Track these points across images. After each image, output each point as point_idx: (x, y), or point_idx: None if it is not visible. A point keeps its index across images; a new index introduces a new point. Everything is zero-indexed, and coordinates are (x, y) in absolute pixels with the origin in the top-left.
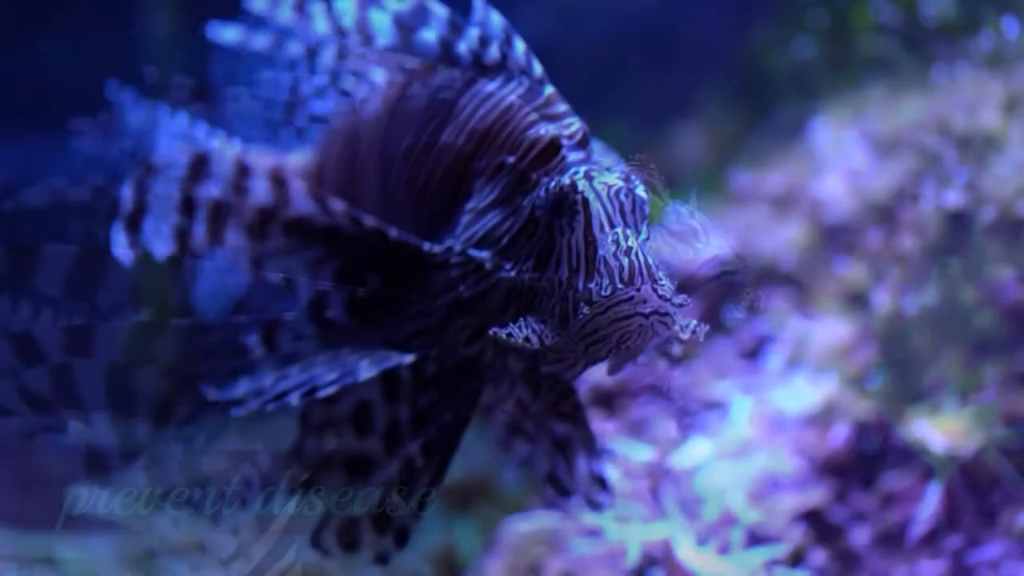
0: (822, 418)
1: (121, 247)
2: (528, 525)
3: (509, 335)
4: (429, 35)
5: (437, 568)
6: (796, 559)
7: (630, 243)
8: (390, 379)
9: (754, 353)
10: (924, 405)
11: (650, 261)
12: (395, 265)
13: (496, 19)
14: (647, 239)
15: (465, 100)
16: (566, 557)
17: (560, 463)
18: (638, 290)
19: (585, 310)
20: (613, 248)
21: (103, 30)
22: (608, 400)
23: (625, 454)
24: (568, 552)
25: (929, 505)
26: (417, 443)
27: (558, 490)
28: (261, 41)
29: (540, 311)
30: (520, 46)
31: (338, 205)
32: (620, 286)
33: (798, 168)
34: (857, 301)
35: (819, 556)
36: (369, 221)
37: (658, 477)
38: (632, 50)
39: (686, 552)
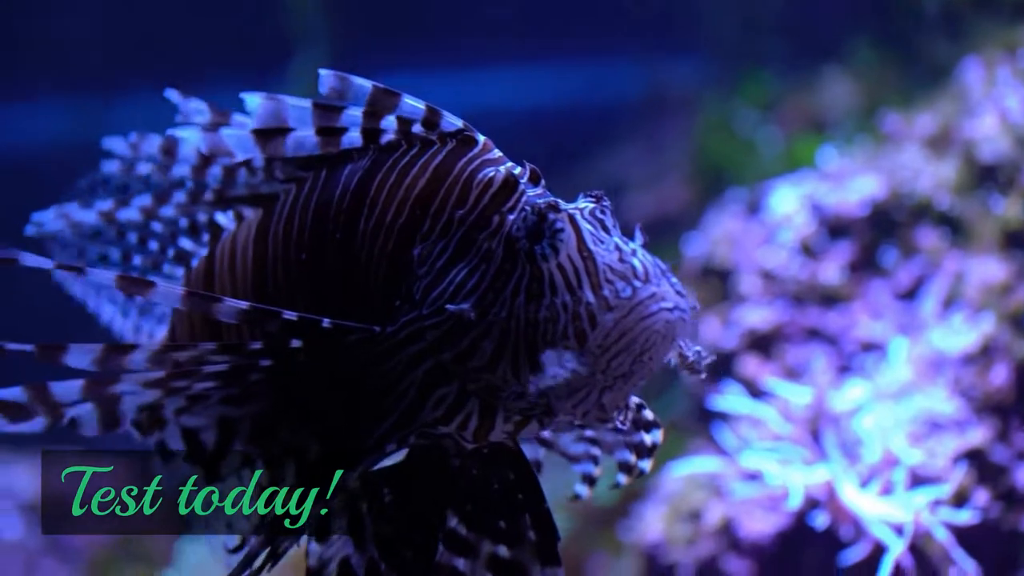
0: (981, 358)
1: None
2: (687, 470)
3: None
4: (307, 134)
5: None
6: (960, 500)
7: (632, 246)
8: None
9: (911, 294)
10: None
11: (658, 261)
12: (332, 374)
13: (368, 88)
14: (644, 244)
15: (381, 177)
16: (727, 502)
17: None
18: (658, 286)
19: (607, 317)
20: (616, 255)
21: None
22: (764, 344)
23: (784, 397)
24: (729, 497)
25: None
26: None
27: None
28: (91, 216)
29: (547, 342)
30: (416, 106)
31: (240, 303)
32: (638, 284)
33: (950, 108)
34: (1014, 239)
35: (983, 496)
36: (289, 315)
37: (818, 420)
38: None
39: (849, 494)
